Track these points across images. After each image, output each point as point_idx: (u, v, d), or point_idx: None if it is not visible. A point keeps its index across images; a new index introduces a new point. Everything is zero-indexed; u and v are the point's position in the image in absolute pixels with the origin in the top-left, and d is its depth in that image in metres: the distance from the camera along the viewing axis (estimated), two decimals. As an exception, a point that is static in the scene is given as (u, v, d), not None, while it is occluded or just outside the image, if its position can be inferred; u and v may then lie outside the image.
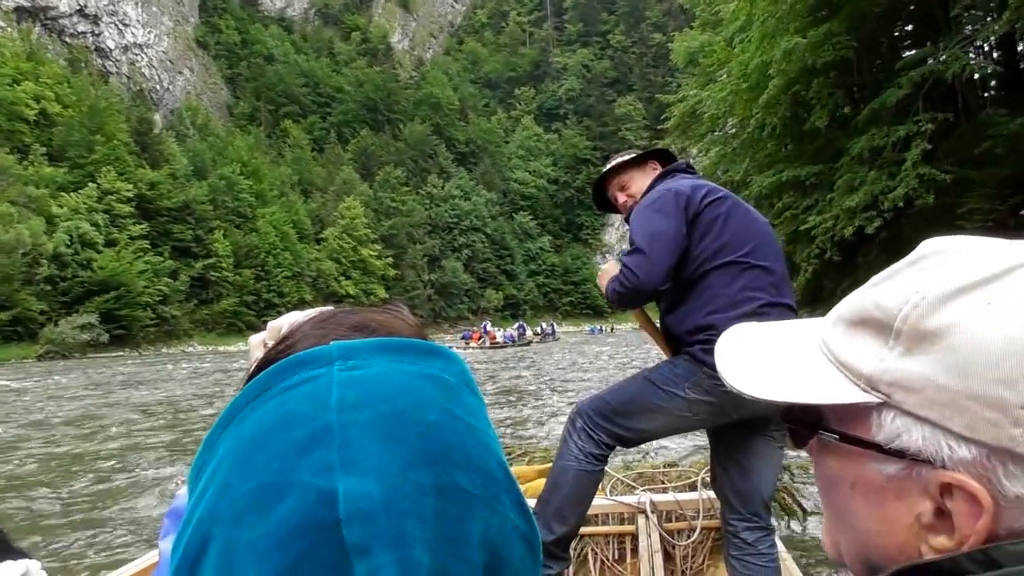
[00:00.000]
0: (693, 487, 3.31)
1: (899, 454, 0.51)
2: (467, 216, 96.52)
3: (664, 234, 2.11)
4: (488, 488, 0.42)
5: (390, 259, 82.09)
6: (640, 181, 2.46)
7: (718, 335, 2.12)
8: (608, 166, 2.55)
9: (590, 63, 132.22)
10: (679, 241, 2.12)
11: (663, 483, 3.47)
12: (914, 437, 0.50)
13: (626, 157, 2.53)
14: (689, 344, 2.12)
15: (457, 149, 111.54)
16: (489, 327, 46.83)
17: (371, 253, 79.60)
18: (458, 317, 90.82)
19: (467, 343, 43.01)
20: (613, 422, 2.19)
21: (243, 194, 69.17)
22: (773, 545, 2.24)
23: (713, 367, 1.95)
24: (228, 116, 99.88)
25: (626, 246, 2.25)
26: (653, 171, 2.47)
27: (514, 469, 3.47)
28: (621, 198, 2.51)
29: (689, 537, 2.99)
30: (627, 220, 2.35)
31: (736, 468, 2.23)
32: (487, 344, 41.56)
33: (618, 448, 2.28)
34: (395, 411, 0.40)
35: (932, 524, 0.50)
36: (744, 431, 2.20)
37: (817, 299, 27.61)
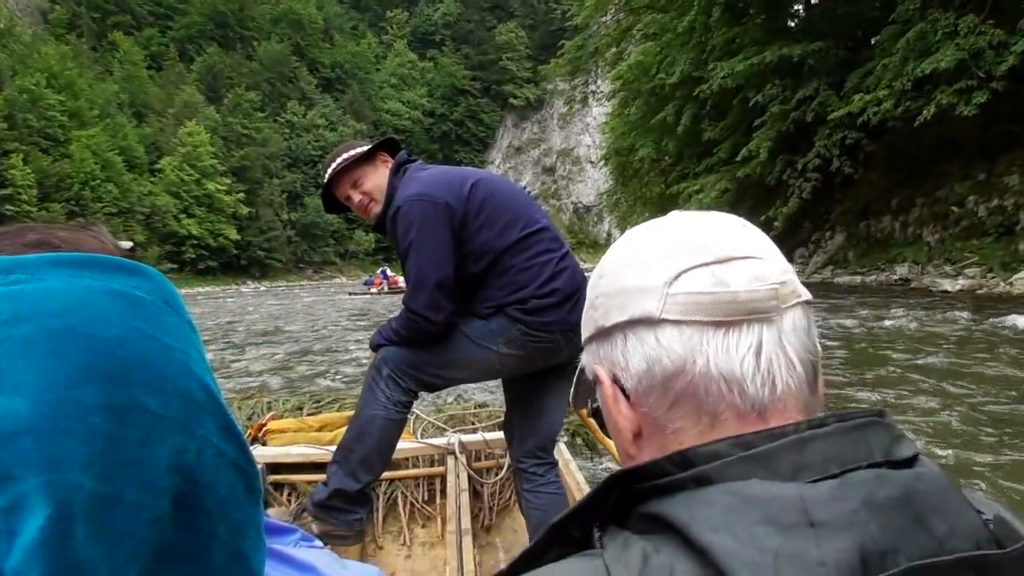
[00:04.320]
0: (502, 426, 3.16)
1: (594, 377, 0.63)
2: (333, 148, 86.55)
3: (441, 267, 2.11)
4: (183, 410, 0.39)
5: (242, 195, 71.87)
6: (374, 177, 2.34)
7: (530, 302, 2.11)
8: (334, 166, 2.33)
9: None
10: (452, 270, 2.13)
11: (473, 424, 3.46)
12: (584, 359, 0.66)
13: (353, 152, 2.33)
14: (503, 307, 2.15)
15: (321, 74, 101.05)
16: (389, 272, 45.87)
17: (219, 187, 69.11)
18: (324, 262, 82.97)
19: (368, 288, 42.97)
20: (423, 371, 2.23)
21: (52, 112, 57.31)
22: (558, 474, 2.39)
23: (528, 325, 2.11)
24: (42, 23, 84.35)
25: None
26: (384, 164, 2.37)
27: (323, 416, 3.44)
28: (357, 196, 2.36)
29: (497, 475, 3.04)
30: (377, 228, 2.33)
31: (531, 410, 2.35)
32: (386, 289, 40.75)
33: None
34: (63, 326, 0.36)
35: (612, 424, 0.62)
36: (539, 374, 2.28)
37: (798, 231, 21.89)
